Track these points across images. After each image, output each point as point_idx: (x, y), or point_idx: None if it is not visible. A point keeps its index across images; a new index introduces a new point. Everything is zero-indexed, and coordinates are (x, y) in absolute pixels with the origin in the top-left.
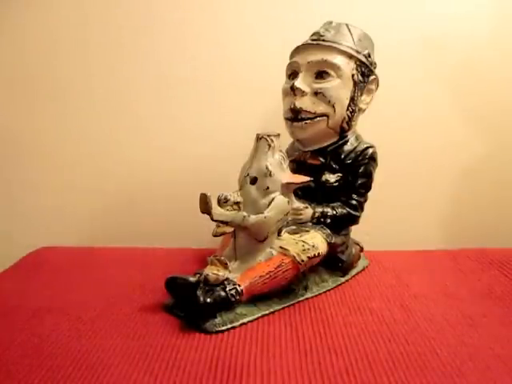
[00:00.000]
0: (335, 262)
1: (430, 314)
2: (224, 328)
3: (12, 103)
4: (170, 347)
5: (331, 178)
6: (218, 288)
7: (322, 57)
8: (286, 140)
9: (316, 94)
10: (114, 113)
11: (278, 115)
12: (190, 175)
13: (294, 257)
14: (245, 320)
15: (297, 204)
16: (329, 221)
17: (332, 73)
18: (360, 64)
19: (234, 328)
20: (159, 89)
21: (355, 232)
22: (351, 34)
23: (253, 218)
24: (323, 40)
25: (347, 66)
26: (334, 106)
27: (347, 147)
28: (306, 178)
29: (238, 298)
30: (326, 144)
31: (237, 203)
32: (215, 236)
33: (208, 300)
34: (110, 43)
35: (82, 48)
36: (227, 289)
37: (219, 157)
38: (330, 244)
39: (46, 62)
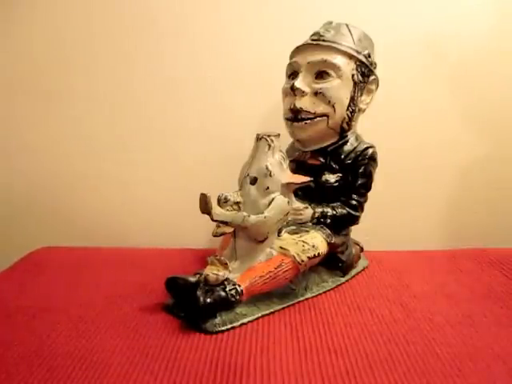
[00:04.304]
0: (335, 262)
1: (430, 313)
2: (224, 328)
3: (15, 104)
4: (170, 347)
5: (331, 178)
6: (217, 288)
7: (322, 57)
8: (286, 140)
9: (316, 94)
10: (114, 113)
11: (278, 115)
12: (190, 175)
13: (294, 257)
14: (245, 320)
15: (297, 204)
16: (329, 221)
17: (332, 73)
18: (360, 64)
19: (233, 328)
20: (159, 90)
21: (355, 232)
22: (351, 34)
23: (253, 218)
24: (323, 40)
25: (347, 66)
26: (334, 106)
27: (347, 147)
28: (306, 178)
29: (237, 298)
30: (326, 144)
31: (237, 203)
32: (215, 236)
33: (208, 300)
34: (113, 45)
35: (85, 50)
36: (227, 289)
37: (219, 157)
38: (330, 244)
39: (52, 64)
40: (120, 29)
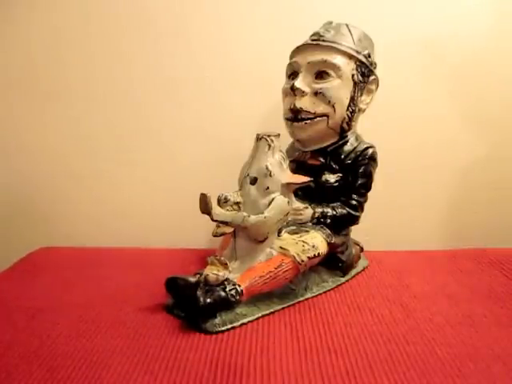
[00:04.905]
0: (335, 262)
1: (430, 313)
2: (224, 328)
3: (18, 104)
4: (170, 347)
5: (331, 178)
6: (217, 288)
7: (322, 57)
8: (286, 140)
9: (316, 94)
10: (117, 113)
11: (278, 115)
12: (190, 175)
13: (294, 257)
14: (245, 320)
15: (297, 204)
16: (329, 221)
17: (332, 73)
18: (360, 64)
19: (234, 328)
20: (159, 90)
21: (355, 232)
22: (351, 34)
23: (253, 218)
24: (323, 40)
25: (347, 66)
26: (334, 106)
27: (347, 147)
28: (306, 178)
29: (237, 298)
30: (325, 144)
31: (237, 203)
32: (215, 236)
33: (208, 300)
34: (110, 45)
35: (83, 50)
36: (227, 289)
37: (219, 157)
38: (329, 244)
39: (51, 64)
40: (118, 29)
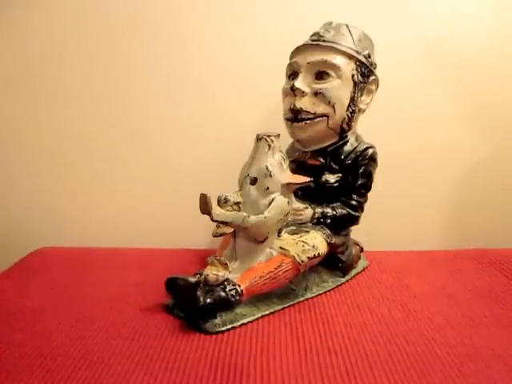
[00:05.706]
0: (335, 263)
1: (430, 313)
2: (224, 328)
3: (15, 104)
4: (170, 347)
5: (331, 178)
6: (217, 288)
7: (322, 57)
8: (286, 140)
9: (316, 94)
10: (114, 113)
11: (278, 115)
12: (190, 175)
13: (294, 257)
14: (245, 320)
15: (297, 204)
16: (329, 221)
17: (332, 73)
18: (360, 64)
19: (234, 328)
20: (159, 90)
21: (355, 232)
22: (351, 35)
23: (253, 218)
24: (323, 40)
25: (347, 67)
26: (333, 107)
27: (347, 148)
28: (306, 179)
29: (237, 298)
30: (325, 144)
31: (237, 203)
32: (215, 236)
33: (208, 300)
34: (107, 45)
35: (80, 50)
36: (227, 289)
37: (219, 157)
38: (330, 244)
39: (47, 64)
40: (115, 29)
